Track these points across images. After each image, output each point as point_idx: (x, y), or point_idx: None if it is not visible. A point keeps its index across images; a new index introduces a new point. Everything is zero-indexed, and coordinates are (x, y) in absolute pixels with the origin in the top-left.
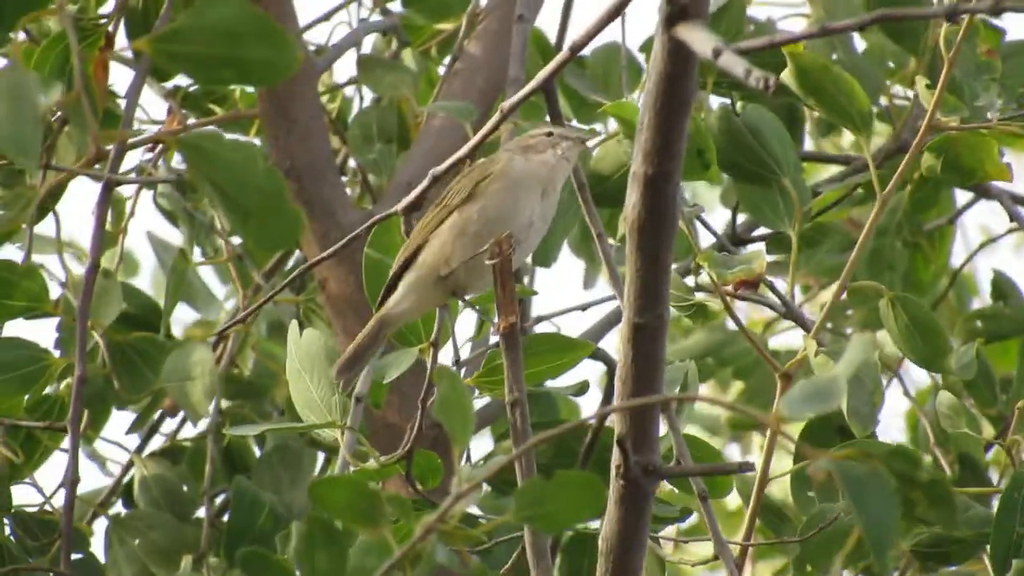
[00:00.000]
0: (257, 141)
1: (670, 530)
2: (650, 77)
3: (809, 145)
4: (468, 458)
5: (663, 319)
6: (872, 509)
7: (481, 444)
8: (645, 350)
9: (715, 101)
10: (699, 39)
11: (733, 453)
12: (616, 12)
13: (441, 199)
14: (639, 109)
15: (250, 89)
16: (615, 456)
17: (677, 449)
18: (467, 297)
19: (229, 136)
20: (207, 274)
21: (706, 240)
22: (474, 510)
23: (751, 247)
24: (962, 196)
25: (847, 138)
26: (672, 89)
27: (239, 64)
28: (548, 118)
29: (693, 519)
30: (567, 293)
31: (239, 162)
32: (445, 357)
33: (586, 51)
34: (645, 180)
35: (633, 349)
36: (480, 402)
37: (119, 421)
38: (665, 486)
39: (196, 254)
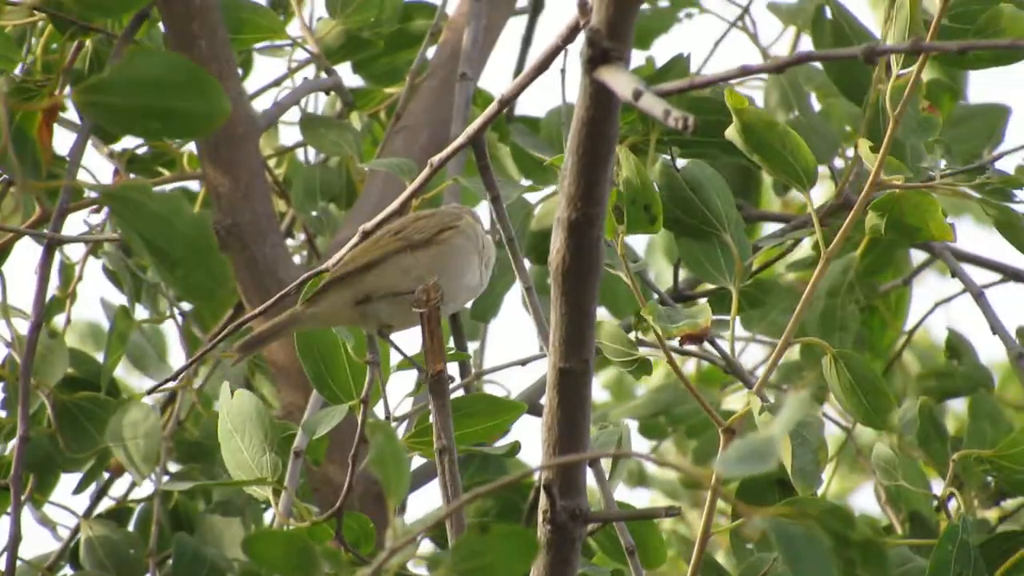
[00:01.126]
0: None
1: None
2: (573, 122)
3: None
4: (403, 514)
5: (588, 364)
6: (807, 569)
7: (428, 499)
8: (571, 396)
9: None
10: (620, 81)
11: (692, 518)
12: (544, 64)
13: (399, 229)
14: None
15: (192, 146)
16: (541, 502)
17: (605, 502)
18: (391, 335)
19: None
20: (166, 339)
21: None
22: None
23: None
24: (916, 256)
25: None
26: (594, 132)
27: (166, 115)
28: (478, 171)
29: None
30: (523, 350)
31: (165, 213)
32: (380, 414)
33: (539, 113)
34: (568, 225)
35: (559, 395)
36: (419, 461)
37: (71, 486)
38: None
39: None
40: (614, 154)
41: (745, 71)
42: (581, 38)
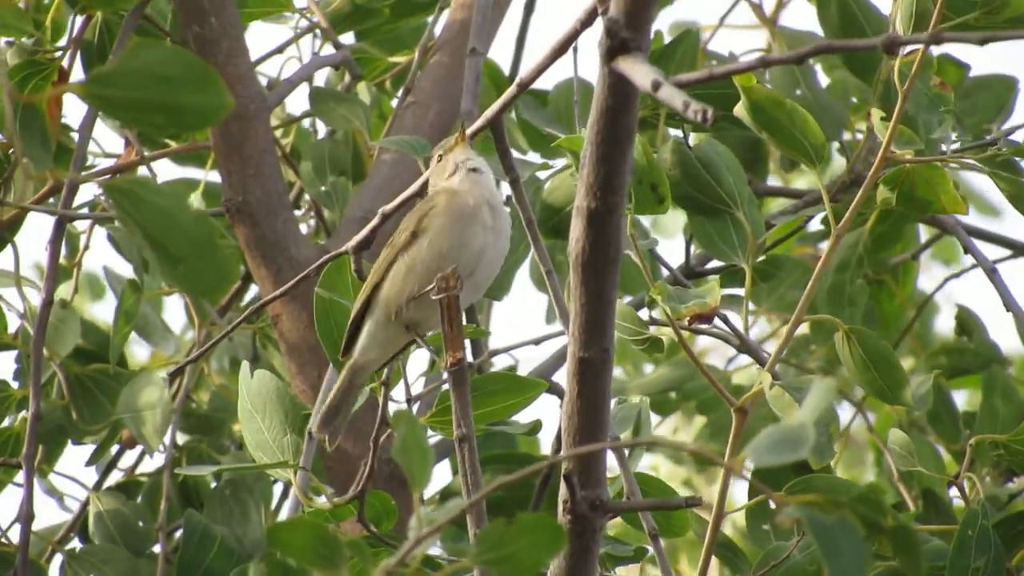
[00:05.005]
0: (213, 175)
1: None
2: (592, 111)
3: (775, 181)
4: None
5: (608, 353)
6: (842, 559)
7: (437, 478)
8: (591, 384)
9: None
10: (639, 72)
11: (699, 484)
12: (563, 48)
13: (390, 239)
14: None
15: None
16: (562, 491)
17: (627, 487)
18: (425, 332)
19: (161, 172)
20: (171, 306)
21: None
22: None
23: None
24: (925, 231)
25: (810, 173)
26: (613, 122)
27: (171, 109)
28: (497, 154)
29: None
30: (530, 327)
31: (168, 208)
32: (398, 394)
33: (547, 86)
34: (588, 214)
35: (579, 384)
36: (434, 437)
37: (79, 456)
38: (621, 525)
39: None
40: (633, 143)
41: (765, 62)
42: (598, 23)
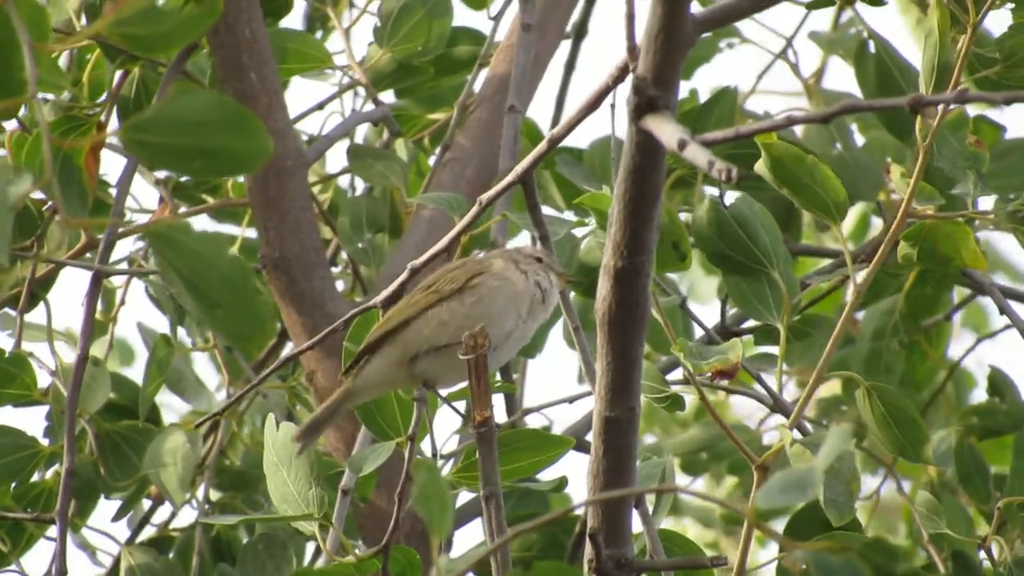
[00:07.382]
0: (250, 231)
1: None
2: (620, 169)
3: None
4: (449, 550)
5: (634, 412)
6: None
7: (469, 537)
8: (616, 443)
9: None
10: (666, 130)
11: (727, 547)
12: (594, 104)
13: (431, 283)
14: None
15: (240, 178)
16: (587, 550)
17: (651, 545)
18: (439, 389)
19: (198, 228)
20: (203, 365)
21: (697, 333)
22: None
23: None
24: (958, 293)
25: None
26: (641, 181)
27: (210, 154)
28: (527, 209)
29: None
30: (565, 387)
31: (206, 252)
32: (427, 451)
33: (583, 144)
34: (615, 273)
35: (604, 443)
36: (465, 496)
37: (111, 511)
38: None
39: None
40: (660, 202)
41: (792, 120)
42: (629, 79)
